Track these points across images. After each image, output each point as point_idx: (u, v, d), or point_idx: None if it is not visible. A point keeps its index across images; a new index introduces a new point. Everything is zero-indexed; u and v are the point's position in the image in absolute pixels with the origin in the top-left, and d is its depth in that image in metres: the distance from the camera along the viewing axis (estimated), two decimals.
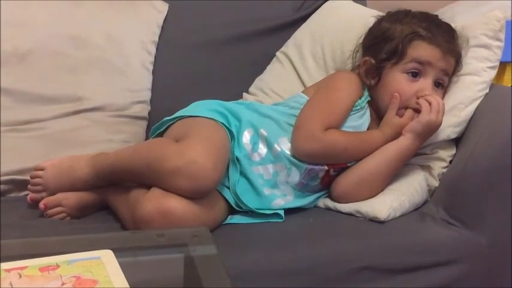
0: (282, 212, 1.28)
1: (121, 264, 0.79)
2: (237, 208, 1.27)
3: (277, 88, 1.61)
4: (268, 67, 1.68)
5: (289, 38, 1.68)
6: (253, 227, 1.24)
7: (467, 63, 1.40)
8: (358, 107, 1.38)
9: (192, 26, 1.70)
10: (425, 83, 1.36)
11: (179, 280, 0.86)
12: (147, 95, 1.61)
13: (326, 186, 1.37)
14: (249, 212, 1.27)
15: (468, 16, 1.48)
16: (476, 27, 1.42)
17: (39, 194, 1.30)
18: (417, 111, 1.34)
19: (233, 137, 1.30)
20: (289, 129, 1.33)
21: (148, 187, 1.17)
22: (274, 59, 1.68)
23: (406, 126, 1.33)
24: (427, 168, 1.39)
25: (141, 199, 1.14)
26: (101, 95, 1.54)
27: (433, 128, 1.33)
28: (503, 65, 1.77)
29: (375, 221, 1.27)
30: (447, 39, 1.37)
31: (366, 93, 1.41)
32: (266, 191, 1.30)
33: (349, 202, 1.32)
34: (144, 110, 1.59)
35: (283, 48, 1.68)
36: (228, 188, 1.27)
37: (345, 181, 1.33)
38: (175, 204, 1.12)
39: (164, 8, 1.69)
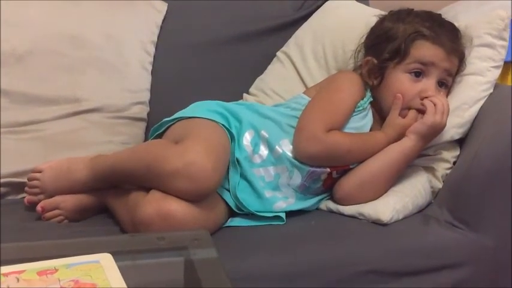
0: (283, 215, 1.27)
1: (120, 268, 0.78)
2: (237, 211, 1.26)
3: (278, 88, 1.60)
4: (269, 67, 1.67)
5: (290, 37, 1.68)
6: (254, 230, 1.24)
7: (470, 63, 1.39)
8: (361, 108, 1.37)
9: (191, 26, 1.69)
10: (428, 83, 1.34)
11: (179, 284, 0.86)
12: (146, 96, 1.60)
13: (328, 188, 1.36)
14: (250, 215, 1.27)
15: (470, 15, 1.47)
16: (479, 27, 1.41)
17: (37, 196, 1.29)
18: (420, 111, 1.33)
19: (233, 138, 1.29)
20: (291, 131, 1.32)
21: (148, 190, 1.17)
22: (275, 59, 1.67)
23: (410, 127, 1.32)
24: (430, 169, 1.37)
25: (141, 202, 1.14)
26: (99, 95, 1.53)
27: (437, 129, 1.31)
28: (507, 65, 1.76)
29: (377, 223, 1.26)
30: (451, 39, 1.36)
31: (369, 93, 1.40)
32: (267, 194, 1.29)
33: (351, 204, 1.31)
34: (143, 111, 1.58)
35: (284, 48, 1.67)
36: (228, 191, 1.26)
37: (348, 183, 1.32)
38: (176, 207, 1.11)
39: (163, 7, 1.68)
